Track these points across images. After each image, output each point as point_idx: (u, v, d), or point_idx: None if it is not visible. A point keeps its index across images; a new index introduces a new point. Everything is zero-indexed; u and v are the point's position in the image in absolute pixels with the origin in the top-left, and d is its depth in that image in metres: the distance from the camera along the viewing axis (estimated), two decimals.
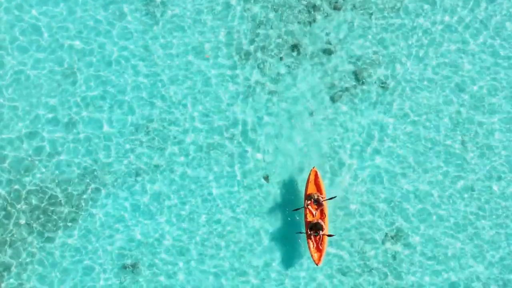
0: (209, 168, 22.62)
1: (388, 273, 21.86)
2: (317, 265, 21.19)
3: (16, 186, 22.23)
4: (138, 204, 22.28)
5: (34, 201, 22.10)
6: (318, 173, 21.94)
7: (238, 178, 22.55)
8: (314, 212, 21.44)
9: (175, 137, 22.90)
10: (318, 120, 23.16)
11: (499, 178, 22.66)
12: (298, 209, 21.69)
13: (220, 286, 21.66)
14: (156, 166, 22.60)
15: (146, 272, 21.71)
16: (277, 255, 21.94)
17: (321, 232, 21.03)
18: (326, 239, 21.32)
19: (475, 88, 23.42)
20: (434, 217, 22.32)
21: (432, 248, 22.10)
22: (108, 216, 22.14)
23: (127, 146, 22.74)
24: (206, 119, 23.08)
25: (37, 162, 22.39)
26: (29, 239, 21.80)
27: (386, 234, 22.12)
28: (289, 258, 21.90)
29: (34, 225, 21.91)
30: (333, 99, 23.43)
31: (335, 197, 21.73)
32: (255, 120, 23.12)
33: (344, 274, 21.72)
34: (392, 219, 22.26)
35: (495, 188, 22.60)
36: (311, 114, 23.22)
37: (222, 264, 21.84)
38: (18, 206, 22.04)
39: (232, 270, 21.82)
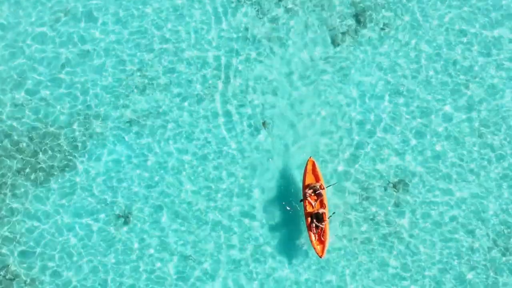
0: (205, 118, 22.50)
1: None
2: (320, 257, 20.94)
3: (9, 132, 22.20)
4: (132, 152, 22.10)
5: (25, 148, 22.04)
6: (316, 162, 21.49)
7: (238, 129, 22.34)
8: (313, 203, 21.12)
9: (171, 91, 22.64)
10: (319, 63, 22.79)
11: None
12: (301, 200, 21.27)
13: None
14: (149, 115, 22.39)
15: (139, 221, 21.53)
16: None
17: (321, 224, 20.78)
18: (328, 230, 21.02)
19: (481, 30, 23.22)
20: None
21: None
22: (101, 165, 22.00)
23: (122, 92, 22.57)
24: (199, 64, 22.83)
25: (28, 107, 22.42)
26: (20, 185, 21.74)
27: (388, 183, 21.91)
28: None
29: (27, 170, 21.83)
30: (334, 42, 23.05)
31: (335, 183, 21.39)
32: (250, 64, 22.79)
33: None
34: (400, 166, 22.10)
35: None
36: (310, 58, 22.84)
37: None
38: (11, 153, 21.98)
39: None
